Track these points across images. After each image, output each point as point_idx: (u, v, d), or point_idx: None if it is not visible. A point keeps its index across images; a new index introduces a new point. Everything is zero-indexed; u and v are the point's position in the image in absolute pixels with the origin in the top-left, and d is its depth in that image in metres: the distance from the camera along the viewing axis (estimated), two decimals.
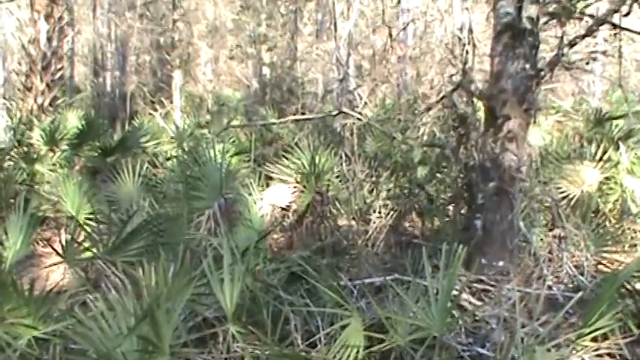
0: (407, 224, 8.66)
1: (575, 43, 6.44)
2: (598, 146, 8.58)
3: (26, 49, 13.85)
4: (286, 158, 8.17)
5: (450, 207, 8.31)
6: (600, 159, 8.29)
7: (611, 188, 8.23)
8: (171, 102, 21.25)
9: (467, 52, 7.13)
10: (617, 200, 8.16)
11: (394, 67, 13.19)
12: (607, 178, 8.22)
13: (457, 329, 4.80)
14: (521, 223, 6.51)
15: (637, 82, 20.77)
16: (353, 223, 7.95)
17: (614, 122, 10.24)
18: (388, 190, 8.36)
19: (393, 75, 13.11)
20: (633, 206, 7.99)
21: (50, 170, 9.87)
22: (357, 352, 4.07)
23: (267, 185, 7.83)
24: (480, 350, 4.67)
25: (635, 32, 6.53)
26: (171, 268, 4.32)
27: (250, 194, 7.20)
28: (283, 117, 13.93)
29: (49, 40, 13.78)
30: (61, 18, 14.28)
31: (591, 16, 6.29)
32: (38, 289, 4.43)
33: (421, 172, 8.91)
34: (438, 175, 8.80)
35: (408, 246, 7.43)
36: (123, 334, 3.82)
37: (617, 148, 8.61)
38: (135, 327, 3.76)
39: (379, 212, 7.92)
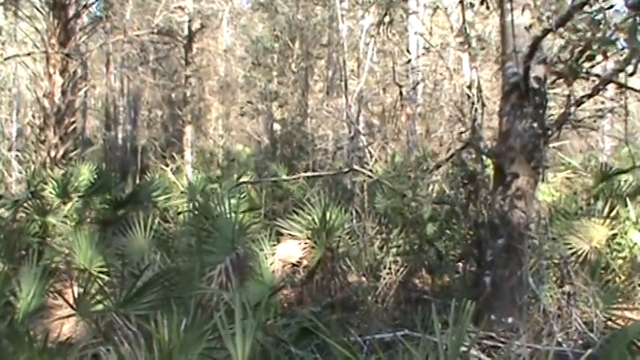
0: (417, 280, 8.68)
1: (582, 102, 6.52)
2: (606, 203, 8.62)
3: (41, 102, 13.97)
4: (297, 214, 8.23)
5: (460, 263, 8.33)
6: (608, 215, 8.32)
7: (619, 244, 8.23)
8: (182, 157, 21.38)
9: (476, 109, 7.23)
10: (626, 257, 8.15)
11: (404, 125, 13.29)
12: (616, 235, 8.23)
13: None
14: (531, 280, 6.52)
15: None
16: (363, 279, 7.97)
17: (623, 178, 10.23)
18: (398, 247, 8.37)
19: (403, 132, 13.20)
20: None
21: (62, 222, 9.91)
22: None
23: (278, 241, 7.87)
24: None
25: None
26: (183, 322, 4.34)
27: (261, 249, 7.25)
28: (293, 173, 14.02)
29: (64, 93, 13.90)
30: (75, 72, 14.47)
31: (597, 75, 6.35)
32: (51, 341, 4.46)
33: (431, 228, 8.93)
34: (448, 231, 8.82)
35: (418, 302, 7.45)
36: None
37: (626, 204, 8.64)
38: None
39: (389, 268, 7.93)
